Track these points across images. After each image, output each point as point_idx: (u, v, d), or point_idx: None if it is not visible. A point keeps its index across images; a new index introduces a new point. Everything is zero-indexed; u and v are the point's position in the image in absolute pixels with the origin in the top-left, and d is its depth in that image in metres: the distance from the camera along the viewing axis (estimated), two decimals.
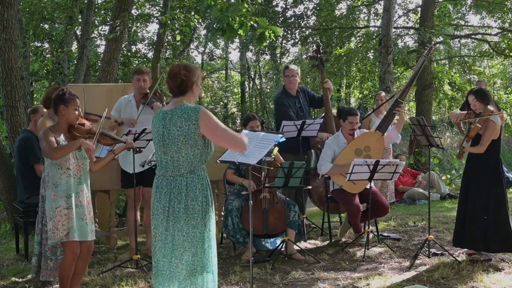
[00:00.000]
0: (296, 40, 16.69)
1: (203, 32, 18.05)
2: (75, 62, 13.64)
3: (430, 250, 5.36)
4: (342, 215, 6.64)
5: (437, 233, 6.30)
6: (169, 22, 10.53)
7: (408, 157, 11.97)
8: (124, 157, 5.44)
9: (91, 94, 6.46)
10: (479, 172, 5.03)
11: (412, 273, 4.85)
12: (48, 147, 3.85)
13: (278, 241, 5.71)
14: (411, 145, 12.73)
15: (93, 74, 14.60)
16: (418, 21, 14.89)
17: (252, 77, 23.16)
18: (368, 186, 5.59)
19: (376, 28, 15.90)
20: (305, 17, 15.94)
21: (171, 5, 12.67)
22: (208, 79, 24.65)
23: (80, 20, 13.82)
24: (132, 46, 18.44)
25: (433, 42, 12.88)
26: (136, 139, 4.87)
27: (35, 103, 12.46)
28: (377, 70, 14.99)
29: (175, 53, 17.81)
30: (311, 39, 16.58)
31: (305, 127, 6.19)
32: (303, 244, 5.94)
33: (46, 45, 16.86)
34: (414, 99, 14.46)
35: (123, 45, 12.62)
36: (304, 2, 16.05)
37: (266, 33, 7.22)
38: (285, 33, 15.91)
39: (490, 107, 4.96)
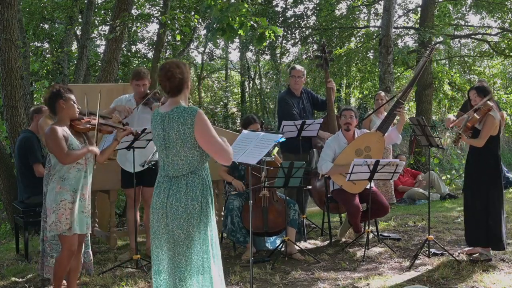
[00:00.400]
0: (296, 40, 16.69)
1: (203, 32, 18.05)
2: (75, 62, 13.64)
3: (430, 250, 5.35)
4: (342, 215, 6.64)
5: (437, 233, 6.30)
6: (169, 22, 10.52)
7: (408, 157, 11.98)
8: (124, 156, 5.44)
9: (91, 94, 6.44)
10: (479, 172, 5.06)
11: (412, 273, 4.85)
12: (59, 151, 3.89)
13: (278, 241, 5.71)
14: (411, 145, 12.73)
15: (93, 74, 14.61)
16: (418, 21, 14.89)
17: (252, 77, 23.16)
18: (368, 186, 5.59)
19: (376, 28, 15.91)
20: (305, 17, 15.94)
21: (171, 5, 12.67)
22: (208, 79, 24.65)
23: (80, 20, 13.83)
24: (132, 46, 18.44)
25: (433, 42, 12.89)
26: (136, 139, 4.87)
27: (35, 103, 12.47)
28: (377, 70, 14.99)
29: (175, 53, 17.81)
30: (311, 39, 16.58)
31: (305, 127, 6.19)
32: (303, 244, 5.94)
33: (46, 45, 16.86)
34: (414, 99, 14.47)
35: (123, 45, 12.63)
36: (304, 2, 16.05)
37: (266, 33, 7.22)
38: (285, 33, 15.92)
39: (490, 102, 5.02)
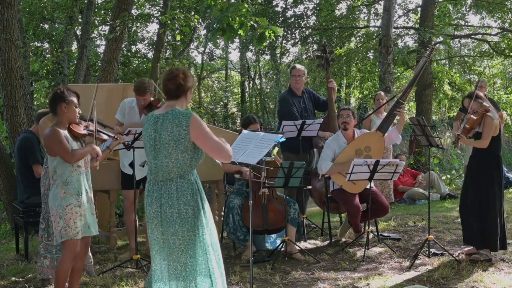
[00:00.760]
0: (296, 40, 16.70)
1: (203, 32, 18.05)
2: (75, 62, 13.64)
3: (430, 250, 5.36)
4: (342, 215, 6.65)
5: (437, 233, 6.30)
6: (169, 22, 10.53)
7: (408, 157, 11.97)
8: (124, 159, 5.44)
9: (91, 94, 6.45)
10: (481, 173, 5.09)
11: (412, 273, 4.86)
12: (64, 151, 3.88)
13: (278, 241, 5.71)
14: (411, 145, 12.73)
15: (93, 74, 14.61)
16: (418, 21, 14.89)
17: (252, 77, 23.16)
18: (368, 186, 5.59)
19: (376, 28, 15.91)
20: (305, 17, 15.94)
21: (171, 5, 12.67)
22: (208, 79, 24.65)
23: (80, 20, 13.83)
24: (132, 46, 18.44)
25: (433, 42, 12.89)
26: (136, 139, 4.87)
27: (35, 103, 12.48)
28: (377, 70, 14.99)
29: (175, 53, 17.81)
30: (311, 39, 16.58)
31: (305, 127, 6.20)
32: (303, 244, 5.94)
33: (46, 45, 16.86)
34: (414, 99, 14.47)
35: (123, 45, 12.63)
36: (304, 2, 16.05)
37: (266, 33, 7.22)
38: (285, 33, 15.92)
39: (486, 104, 5.07)
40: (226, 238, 6.18)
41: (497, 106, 9.33)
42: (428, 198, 5.96)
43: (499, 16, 15.99)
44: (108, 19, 13.26)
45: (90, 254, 4.73)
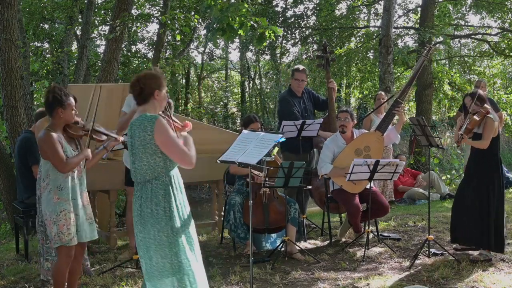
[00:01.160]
0: (296, 40, 16.70)
1: (203, 32, 18.07)
2: (75, 62, 13.65)
3: (430, 250, 5.36)
4: (342, 215, 6.65)
5: (437, 233, 6.30)
6: (169, 22, 10.54)
7: (408, 157, 11.98)
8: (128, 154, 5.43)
9: (91, 94, 6.45)
10: (480, 173, 5.11)
11: (412, 273, 4.85)
12: (59, 160, 3.80)
13: (278, 241, 5.72)
14: (411, 145, 12.74)
15: (93, 74, 14.62)
16: (418, 21, 14.89)
17: (252, 77, 23.17)
18: (368, 186, 5.59)
19: (376, 28, 15.91)
20: (305, 17, 15.95)
21: (171, 5, 12.68)
22: (208, 79, 24.66)
23: (80, 20, 13.83)
24: (132, 46, 18.46)
25: (433, 42, 12.89)
26: None
27: (35, 103, 12.48)
28: (377, 70, 15.00)
29: (175, 53, 17.83)
30: (311, 39, 16.59)
31: (305, 127, 6.19)
32: (303, 244, 5.94)
33: (46, 45, 16.87)
34: (414, 99, 14.47)
35: (123, 45, 12.63)
36: (304, 2, 16.06)
37: (266, 33, 7.22)
38: (285, 33, 15.92)
39: (487, 105, 5.10)
40: (226, 238, 6.19)
41: (496, 106, 9.33)
42: (428, 198, 5.96)
43: (499, 16, 15.99)
44: (108, 19, 13.27)
45: (86, 256, 4.72)
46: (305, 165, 5.33)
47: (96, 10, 14.11)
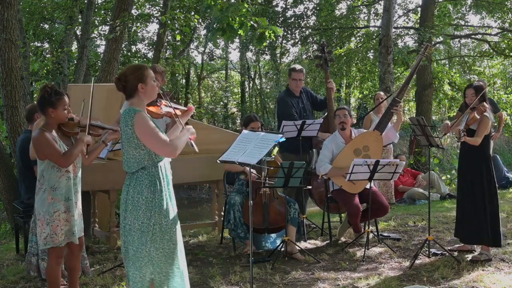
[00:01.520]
0: (296, 40, 16.71)
1: (203, 32, 18.08)
2: (75, 62, 13.66)
3: (430, 250, 5.35)
4: (342, 215, 6.64)
5: (437, 233, 6.30)
6: (169, 22, 10.54)
7: (408, 157, 11.98)
8: None
9: (90, 94, 6.44)
10: (473, 171, 5.17)
11: (412, 273, 4.85)
12: (56, 156, 3.74)
13: (278, 241, 5.72)
14: (411, 145, 12.74)
15: (93, 74, 14.63)
16: (418, 21, 14.90)
17: (252, 77, 23.18)
18: (368, 186, 5.59)
19: (376, 28, 15.92)
20: (305, 17, 15.96)
21: (171, 5, 12.68)
22: (208, 79, 24.66)
23: (80, 20, 13.84)
24: (132, 46, 18.47)
25: (433, 42, 12.89)
26: None
27: (35, 103, 12.46)
28: (377, 70, 15.00)
29: (175, 53, 17.84)
30: (311, 39, 16.59)
31: (305, 127, 6.19)
32: (303, 244, 5.94)
33: (46, 45, 16.89)
34: (414, 99, 14.48)
35: (123, 45, 12.64)
36: (304, 2, 16.07)
37: (266, 33, 7.23)
38: (285, 33, 15.93)
39: (486, 104, 5.15)
40: (226, 238, 6.19)
41: (496, 106, 9.33)
42: (428, 198, 5.96)
43: (499, 16, 16.00)
44: (108, 19, 13.27)
45: (85, 255, 4.71)
46: (305, 165, 5.33)
47: (96, 10, 14.12)
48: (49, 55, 15.58)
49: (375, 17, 17.98)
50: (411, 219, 7.24)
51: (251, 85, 23.41)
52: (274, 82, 21.43)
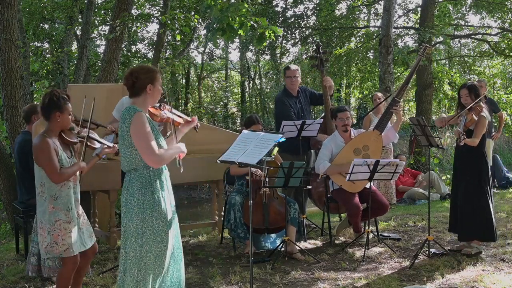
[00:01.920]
0: (296, 40, 16.71)
1: (203, 32, 18.08)
2: (75, 62, 13.66)
3: (430, 250, 5.36)
4: (342, 215, 6.64)
5: (437, 233, 6.30)
6: (169, 22, 10.54)
7: (408, 157, 11.98)
8: None
9: (91, 94, 6.45)
10: (470, 170, 5.22)
11: (412, 273, 4.85)
12: (53, 170, 3.70)
13: (278, 241, 5.72)
14: (411, 145, 12.74)
15: (93, 74, 14.63)
16: (418, 21, 14.90)
17: (252, 77, 23.18)
18: (368, 186, 5.59)
19: (376, 28, 15.92)
20: (305, 17, 15.96)
21: (171, 5, 12.69)
22: (208, 79, 24.66)
23: (80, 20, 13.84)
24: (132, 46, 18.48)
25: (433, 42, 12.89)
26: None
27: (35, 103, 12.46)
28: (377, 70, 15.00)
29: (175, 53, 17.84)
30: (311, 39, 16.59)
31: (305, 127, 6.18)
32: (303, 244, 5.94)
33: (46, 45, 16.89)
34: (414, 99, 14.48)
35: (123, 45, 12.64)
36: (304, 2, 16.07)
37: (266, 33, 7.23)
38: (285, 33, 15.93)
39: (482, 103, 5.20)
40: (226, 238, 6.19)
41: (497, 106, 9.33)
42: (428, 198, 5.96)
43: (499, 16, 16.00)
44: (108, 19, 13.28)
45: None
46: (305, 165, 5.33)
47: (96, 10, 14.12)
48: (49, 55, 15.58)
49: (375, 17, 17.99)
50: (411, 219, 7.24)
51: (251, 85, 23.41)
52: (274, 82, 21.42)
